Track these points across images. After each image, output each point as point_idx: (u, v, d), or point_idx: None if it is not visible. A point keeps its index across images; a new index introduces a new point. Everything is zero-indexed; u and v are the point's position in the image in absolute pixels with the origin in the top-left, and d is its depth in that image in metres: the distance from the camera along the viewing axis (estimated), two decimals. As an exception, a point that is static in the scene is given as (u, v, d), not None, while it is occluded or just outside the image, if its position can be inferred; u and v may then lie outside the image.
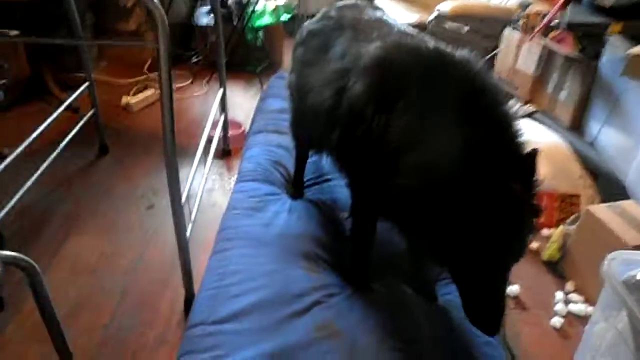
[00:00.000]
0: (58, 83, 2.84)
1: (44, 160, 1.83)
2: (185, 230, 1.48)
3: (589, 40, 2.08)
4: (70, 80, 2.82)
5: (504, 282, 0.97)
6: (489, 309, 0.94)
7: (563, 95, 2.20)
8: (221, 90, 2.25)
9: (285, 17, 3.70)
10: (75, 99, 2.15)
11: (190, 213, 1.68)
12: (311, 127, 1.49)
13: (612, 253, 1.00)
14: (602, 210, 1.62)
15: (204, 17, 3.52)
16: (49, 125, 1.87)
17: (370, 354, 1.19)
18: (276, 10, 3.61)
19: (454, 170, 0.87)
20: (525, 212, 0.92)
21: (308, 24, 1.55)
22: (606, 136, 2.01)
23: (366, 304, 1.35)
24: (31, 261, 0.86)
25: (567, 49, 2.10)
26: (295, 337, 1.21)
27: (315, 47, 1.43)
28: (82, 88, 2.16)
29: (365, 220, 1.38)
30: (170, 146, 1.32)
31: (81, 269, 1.63)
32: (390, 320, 1.30)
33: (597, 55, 2.05)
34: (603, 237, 1.55)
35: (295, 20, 3.92)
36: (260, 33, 3.51)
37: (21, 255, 0.85)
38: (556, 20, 2.14)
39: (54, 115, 1.95)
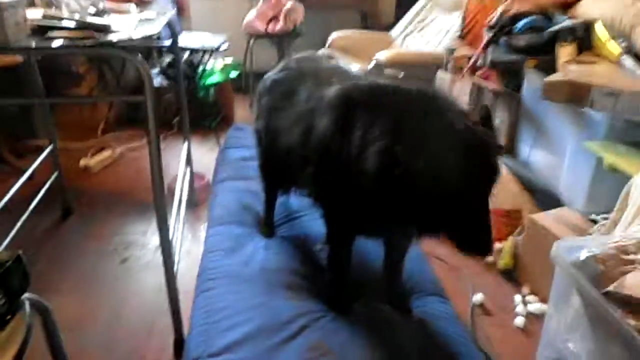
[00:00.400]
0: (12, 151, 2.82)
1: (9, 227, 1.82)
2: (174, 268, 1.52)
3: (510, 76, 2.40)
4: (24, 148, 2.83)
5: (488, 205, 1.08)
6: (482, 232, 1.04)
7: (495, 123, 2.48)
8: (186, 143, 2.34)
9: (233, 74, 3.89)
10: (29, 162, 2.15)
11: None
12: (282, 166, 1.62)
13: (558, 240, 1.18)
14: (543, 217, 1.84)
15: (155, 76, 3.64)
16: (10, 193, 1.87)
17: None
18: (225, 69, 3.80)
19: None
20: (490, 143, 1.05)
21: (271, 75, 1.70)
22: (536, 155, 2.28)
23: (351, 324, 1.44)
24: (46, 303, 0.90)
25: (493, 84, 2.40)
26: (290, 360, 1.28)
27: (281, 95, 1.57)
28: (45, 152, 2.18)
29: (341, 247, 1.49)
30: (160, 193, 1.39)
31: (60, 330, 1.61)
32: (376, 335, 1.40)
33: (519, 88, 2.36)
34: (546, 240, 1.75)
35: (243, 78, 4.13)
36: (212, 90, 3.67)
37: (37, 297, 0.89)
38: (480, 61, 2.45)
39: (18, 185, 1.95)
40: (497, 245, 2.18)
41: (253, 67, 4.04)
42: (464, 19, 2.74)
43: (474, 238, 1.03)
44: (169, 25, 2.07)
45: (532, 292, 1.87)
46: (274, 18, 3.93)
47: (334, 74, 1.48)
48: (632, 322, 0.92)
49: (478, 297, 1.83)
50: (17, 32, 1.02)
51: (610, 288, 0.97)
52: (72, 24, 1.12)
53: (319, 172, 1.33)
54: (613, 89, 1.49)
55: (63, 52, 1.57)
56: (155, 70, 3.79)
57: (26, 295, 0.85)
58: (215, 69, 3.77)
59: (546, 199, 2.09)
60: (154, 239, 2.13)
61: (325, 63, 1.59)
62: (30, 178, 2.50)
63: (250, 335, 1.35)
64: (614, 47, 1.75)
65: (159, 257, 1.67)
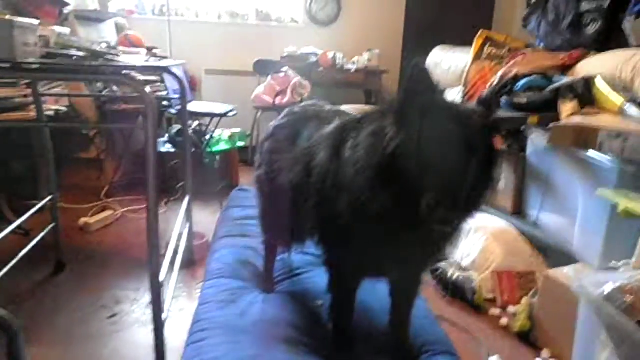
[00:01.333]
0: (13, 210, 2.79)
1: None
2: (163, 320, 1.41)
3: (514, 138, 2.41)
4: (25, 208, 2.80)
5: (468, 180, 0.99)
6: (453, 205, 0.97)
7: (501, 185, 2.46)
8: (187, 198, 2.31)
9: (240, 143, 3.97)
10: (28, 220, 2.12)
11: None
12: (283, 211, 1.57)
13: (575, 266, 1.09)
14: (558, 273, 1.73)
15: (162, 145, 3.70)
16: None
17: None
18: (232, 137, 3.88)
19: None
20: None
21: (274, 122, 1.71)
22: (546, 214, 2.22)
23: (353, 377, 1.31)
24: (15, 321, 0.82)
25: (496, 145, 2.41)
26: (285, 415, 1.14)
27: (284, 138, 1.57)
28: (40, 205, 2.15)
29: (345, 292, 1.40)
30: (154, 236, 1.34)
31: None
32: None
33: (523, 149, 2.36)
34: (564, 297, 1.63)
35: (250, 150, 4.21)
36: (217, 157, 3.71)
37: (8, 315, 0.81)
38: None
39: (5, 233, 1.89)
40: (510, 308, 2.05)
41: (260, 139, 4.12)
42: (464, 86, 2.82)
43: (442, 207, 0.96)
44: (179, 82, 2.15)
45: (553, 356, 1.71)
46: (282, 92, 4.09)
47: (336, 115, 1.48)
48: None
49: (494, 360, 1.67)
50: (25, 52, 1.04)
51: (645, 316, 0.88)
52: (81, 53, 1.14)
53: (320, 202, 1.28)
54: (621, 130, 1.48)
55: (64, 77, 1.53)
56: (164, 139, 3.88)
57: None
58: (222, 138, 3.85)
59: (559, 258, 1.99)
60: (146, 296, 2.02)
61: (329, 107, 1.61)
62: (26, 234, 2.46)
63: (243, 388, 1.21)
64: (616, 98, 1.76)
65: (149, 314, 1.57)
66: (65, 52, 1.15)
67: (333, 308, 1.43)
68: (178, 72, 1.98)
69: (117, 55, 1.22)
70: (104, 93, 3.23)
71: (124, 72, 1.17)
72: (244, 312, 1.58)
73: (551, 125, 1.74)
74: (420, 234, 1.17)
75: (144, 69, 1.85)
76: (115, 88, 3.31)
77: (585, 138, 1.55)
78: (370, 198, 1.08)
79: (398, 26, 5.07)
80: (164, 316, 1.46)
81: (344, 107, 3.89)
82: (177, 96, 2.48)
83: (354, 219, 1.16)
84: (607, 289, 0.99)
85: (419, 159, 0.98)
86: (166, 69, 1.94)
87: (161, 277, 1.45)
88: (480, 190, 1.07)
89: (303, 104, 1.75)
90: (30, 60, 1.06)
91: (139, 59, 1.36)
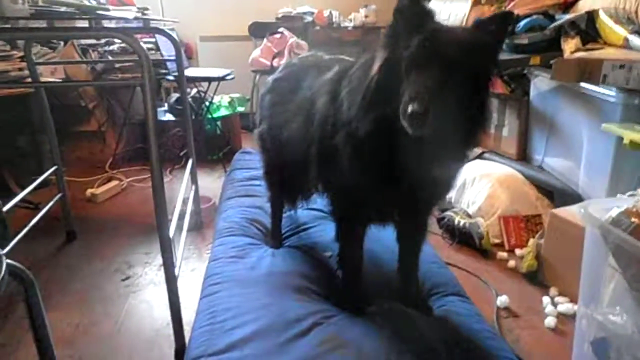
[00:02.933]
0: (20, 186, 2.81)
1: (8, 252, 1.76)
2: (174, 269, 1.44)
3: (516, 82, 2.37)
4: (32, 183, 2.81)
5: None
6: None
7: (505, 131, 2.44)
8: (190, 161, 2.31)
9: (240, 108, 3.94)
10: (37, 194, 2.12)
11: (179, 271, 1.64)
12: (287, 165, 1.56)
13: (581, 203, 1.09)
14: (564, 212, 1.74)
15: (162, 115, 3.69)
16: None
17: (380, 358, 1.16)
18: (232, 103, 3.85)
19: None
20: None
21: (274, 75, 1.69)
22: (550, 157, 2.21)
23: (367, 319, 1.34)
24: (30, 275, 0.84)
25: (499, 90, 2.38)
26: (300, 354, 1.17)
27: (284, 90, 1.55)
28: (48, 172, 2.16)
29: (352, 240, 1.41)
30: (160, 194, 1.34)
31: (56, 343, 1.50)
32: (394, 328, 1.29)
33: (525, 93, 2.32)
34: (571, 235, 1.64)
35: (250, 115, 4.18)
36: (219, 123, 3.70)
37: (21, 267, 0.83)
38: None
39: (14, 201, 1.90)
40: (517, 251, 2.07)
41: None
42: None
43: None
44: (174, 43, 2.11)
45: (561, 294, 1.74)
46: (279, 54, 4.03)
47: (335, 62, 1.46)
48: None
49: (503, 300, 1.70)
50: (14, 10, 1.02)
51: (651, 233, 0.88)
52: (72, 9, 1.12)
53: (321, 148, 1.28)
54: (625, 60, 1.45)
55: (52, 35, 1.49)
56: (163, 108, 3.86)
57: (6, 260, 0.78)
58: (222, 104, 3.82)
59: (565, 200, 1.99)
60: (158, 258, 2.05)
61: (328, 56, 1.58)
62: (35, 208, 2.48)
63: (258, 333, 1.25)
64: (621, 30, 1.72)
65: (162, 275, 1.60)
66: (54, 8, 1.12)
67: (342, 256, 1.44)
68: (172, 34, 1.94)
69: (107, 10, 1.20)
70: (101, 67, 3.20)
71: (114, 26, 1.14)
72: (254, 265, 1.60)
73: (554, 60, 1.70)
74: (419, 173, 1.16)
75: (136, 30, 1.81)
76: (110, 58, 3.27)
77: (589, 71, 1.51)
78: (362, 124, 1.08)
79: (395, -21, 4.93)
80: (176, 271, 1.49)
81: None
82: (172, 58, 2.42)
83: (354, 158, 1.16)
84: (613, 213, 0.99)
85: (402, 74, 0.97)
86: (159, 30, 1.90)
87: (170, 234, 1.46)
88: (468, 123, 1.04)
89: (301, 55, 1.72)
90: (19, 16, 1.04)
91: (129, 14, 1.33)
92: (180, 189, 2.00)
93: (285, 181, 1.71)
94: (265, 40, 4.17)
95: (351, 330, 1.26)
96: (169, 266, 1.40)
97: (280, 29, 4.17)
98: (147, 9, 1.91)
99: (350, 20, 4.55)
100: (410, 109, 0.89)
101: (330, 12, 4.47)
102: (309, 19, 4.45)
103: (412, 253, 1.47)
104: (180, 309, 1.47)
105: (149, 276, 1.97)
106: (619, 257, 0.99)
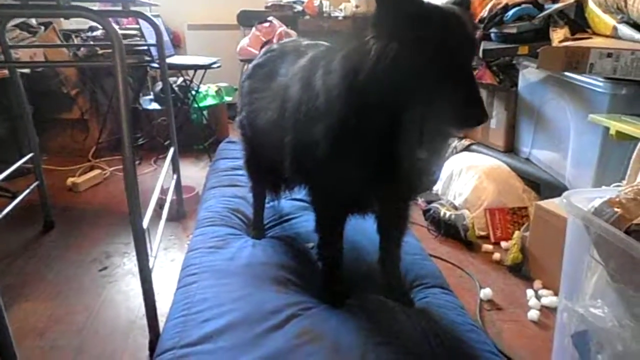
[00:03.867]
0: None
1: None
2: (148, 262, 1.40)
3: (504, 73, 2.34)
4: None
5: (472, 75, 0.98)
6: (474, 99, 0.94)
7: (493, 123, 2.41)
8: (172, 150, 2.27)
9: (228, 98, 3.88)
10: (15, 183, 2.06)
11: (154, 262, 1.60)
12: (266, 153, 1.52)
13: (565, 193, 1.07)
14: (549, 204, 1.71)
15: (148, 103, 3.62)
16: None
17: (356, 351, 1.13)
18: (219, 92, 3.79)
19: None
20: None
21: (254, 61, 1.65)
22: (538, 149, 2.19)
23: (346, 311, 1.31)
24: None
25: (488, 81, 2.34)
26: (274, 347, 1.14)
27: (262, 76, 1.51)
28: (24, 159, 2.10)
29: (332, 229, 1.37)
30: (132, 182, 1.29)
31: (27, 333, 1.47)
32: (372, 320, 1.26)
33: (514, 84, 2.29)
34: (555, 226, 1.62)
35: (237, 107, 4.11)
36: (205, 113, 3.64)
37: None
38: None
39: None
40: (503, 243, 2.05)
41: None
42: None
43: (470, 103, 0.93)
44: (155, 28, 2.05)
45: (545, 287, 1.72)
46: (268, 43, 3.96)
47: (312, 47, 1.42)
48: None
49: (486, 292, 1.68)
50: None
51: (635, 221, 0.85)
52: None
53: (297, 136, 1.24)
54: (613, 49, 1.42)
55: (11, 12, 1.40)
56: (149, 97, 3.79)
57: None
58: (209, 93, 3.76)
59: (552, 192, 1.97)
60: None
61: (308, 41, 1.53)
62: (13, 197, 2.42)
63: (233, 324, 1.21)
64: (609, 19, 1.69)
65: (150, 263, 1.56)
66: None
67: (321, 247, 1.41)
68: (154, 19, 1.88)
69: (77, -12, 1.15)
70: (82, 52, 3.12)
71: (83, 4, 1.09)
72: (234, 256, 1.56)
73: (541, 48, 1.66)
74: (400, 159, 1.13)
75: (113, 13, 1.73)
76: (92, 43, 3.19)
77: (576, 60, 1.48)
78: (349, 122, 1.04)
79: (386, -31, 4.86)
80: (150, 262, 1.45)
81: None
82: (152, 42, 2.36)
83: (333, 149, 1.12)
84: (596, 203, 0.97)
85: (415, 70, 0.92)
86: (138, 13, 1.85)
87: (144, 224, 1.42)
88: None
89: (282, 41, 1.68)
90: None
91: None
92: (160, 178, 1.95)
93: (266, 171, 1.67)
94: (253, 29, 4.10)
95: (328, 323, 1.23)
96: (142, 257, 1.36)
97: (269, 18, 4.11)
98: (126, -9, 1.85)
99: (341, 10, 4.49)
100: (475, 116, 0.91)
101: (321, 2, 4.40)
102: (298, 8, 4.39)
103: (393, 245, 1.44)
104: (154, 300, 1.43)
105: (127, 266, 1.93)
106: (600, 248, 0.96)
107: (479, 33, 2.15)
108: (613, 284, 0.94)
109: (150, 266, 1.44)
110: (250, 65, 1.63)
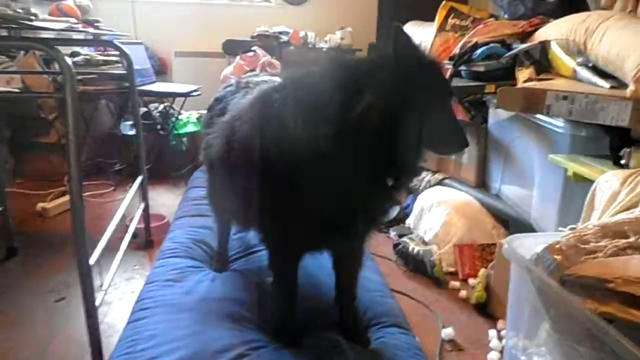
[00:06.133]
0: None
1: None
2: (94, 298, 1.36)
3: (476, 109, 2.37)
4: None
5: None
6: (456, 130, 1.08)
7: (465, 158, 2.42)
8: (140, 177, 2.25)
9: (209, 125, 3.88)
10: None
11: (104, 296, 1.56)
12: (222, 188, 1.51)
13: (507, 238, 1.06)
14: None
15: (128, 128, 3.61)
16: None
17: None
18: (200, 119, 3.80)
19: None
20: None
21: (216, 94, 1.65)
22: (506, 185, 2.19)
23: (297, 352, 1.28)
24: None
25: (460, 117, 2.37)
26: (216, 390, 1.10)
27: (217, 111, 1.51)
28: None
29: (286, 270, 1.35)
30: (79, 219, 1.27)
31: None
32: (321, 361, 1.23)
33: (485, 120, 2.32)
34: (518, 266, 1.61)
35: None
36: (185, 140, 3.63)
37: None
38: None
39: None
40: (471, 281, 2.02)
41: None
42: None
43: (452, 134, 1.08)
44: (125, 57, 2.05)
45: (508, 327, 1.69)
46: (251, 71, 4.00)
47: (261, 83, 1.42)
48: (591, 306, 0.78)
49: (448, 332, 1.65)
50: None
51: (567, 272, 0.84)
52: (-10, 17, 1.07)
53: (249, 177, 1.22)
54: (568, 91, 1.43)
55: None
56: (129, 122, 3.78)
57: None
58: (190, 120, 3.76)
59: (520, 229, 1.96)
60: (98, 278, 1.96)
61: (261, 77, 1.54)
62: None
63: (175, 365, 1.17)
64: (570, 62, 1.72)
65: (101, 297, 1.52)
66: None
67: (275, 284, 1.38)
68: (123, 46, 1.89)
69: (31, 20, 1.14)
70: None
71: (37, 36, 1.09)
72: (190, 290, 1.53)
73: (500, 88, 1.69)
74: (360, 204, 1.13)
75: (84, 42, 1.73)
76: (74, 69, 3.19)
77: (534, 101, 1.50)
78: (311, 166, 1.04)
79: (372, 3, 4.97)
80: (99, 299, 1.41)
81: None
82: (138, 69, 2.35)
83: (289, 191, 1.11)
84: (538, 249, 0.96)
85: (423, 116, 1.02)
86: (109, 42, 1.85)
87: (94, 258, 1.40)
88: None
89: (244, 75, 1.69)
90: None
91: (58, 25, 1.28)
92: (121, 206, 1.92)
93: (222, 204, 1.66)
94: (238, 57, 4.14)
95: (275, 364, 1.20)
96: (87, 292, 1.33)
97: (254, 48, 4.15)
98: (98, 21, 1.86)
99: (326, 42, 4.56)
100: (461, 142, 1.07)
101: (306, 33, 4.48)
102: (284, 38, 4.45)
103: (349, 282, 1.42)
104: (99, 337, 1.39)
105: (85, 297, 1.87)
106: (542, 296, 0.95)
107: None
108: (554, 334, 0.92)
109: (99, 300, 1.41)
110: (212, 98, 1.63)
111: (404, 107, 1.00)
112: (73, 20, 1.47)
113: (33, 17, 1.14)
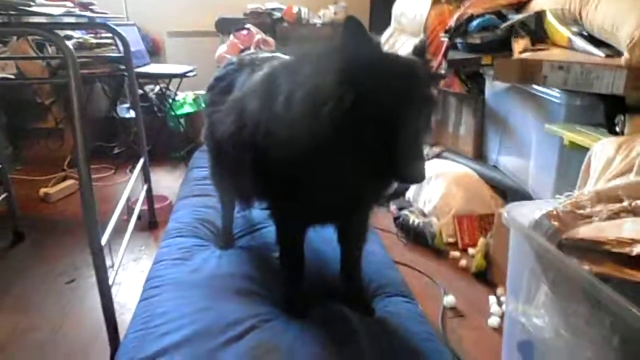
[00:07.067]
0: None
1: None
2: (107, 276, 1.40)
3: (472, 81, 2.38)
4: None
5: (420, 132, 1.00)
6: (415, 158, 0.95)
7: (462, 130, 2.45)
8: (141, 160, 2.26)
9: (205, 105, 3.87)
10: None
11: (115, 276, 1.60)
12: (228, 167, 1.53)
13: (507, 206, 1.09)
14: (511, 211, 1.74)
15: (125, 111, 3.61)
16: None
17: (310, 361, 1.15)
18: (197, 100, 3.79)
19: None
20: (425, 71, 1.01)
21: (215, 73, 1.65)
22: (504, 156, 2.23)
23: (304, 323, 1.32)
24: None
25: (456, 89, 2.38)
26: (230, 360, 1.15)
27: (221, 90, 1.52)
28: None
29: (292, 241, 1.39)
30: (90, 201, 1.30)
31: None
32: (330, 332, 1.27)
33: (481, 92, 2.33)
34: (517, 234, 1.65)
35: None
36: (182, 121, 3.63)
37: None
38: (442, 70, 2.44)
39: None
40: (470, 250, 2.08)
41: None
42: (425, 32, 2.76)
43: (410, 162, 0.94)
44: (121, 38, 2.04)
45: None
46: (245, 49, 3.97)
47: (268, 60, 1.43)
48: (587, 267, 0.82)
49: (449, 299, 1.70)
50: None
51: (564, 236, 0.88)
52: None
53: (256, 153, 1.25)
54: (564, 62, 1.45)
55: None
56: (126, 105, 3.78)
57: None
58: (187, 101, 3.76)
59: (517, 198, 2.00)
60: (109, 260, 2.00)
61: (265, 54, 1.55)
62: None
63: (190, 338, 1.21)
64: (565, 31, 1.73)
65: (112, 277, 1.56)
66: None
67: (282, 258, 1.42)
68: (118, 29, 1.88)
69: (30, 5, 1.15)
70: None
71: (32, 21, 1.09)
72: (198, 268, 1.57)
73: (497, 61, 1.70)
74: (360, 183, 1.15)
75: (78, 26, 1.73)
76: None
77: (530, 72, 1.52)
78: (311, 149, 1.05)
79: (365, -24, 4.91)
80: (111, 276, 1.45)
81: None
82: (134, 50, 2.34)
83: (293, 169, 1.13)
84: (537, 216, 0.99)
85: (376, 118, 0.94)
86: (105, 25, 1.84)
87: (104, 239, 1.43)
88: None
89: (243, 53, 1.69)
90: None
91: (56, 10, 1.28)
92: (126, 189, 1.95)
93: (230, 182, 1.68)
94: (231, 36, 4.11)
95: (286, 335, 1.24)
96: (100, 272, 1.36)
97: (247, 25, 4.12)
98: (92, 3, 1.85)
99: (320, 17, 4.52)
100: (416, 175, 0.92)
101: (299, 9, 4.43)
102: (277, 15, 4.41)
103: (353, 254, 1.46)
104: (114, 314, 1.44)
105: (94, 279, 1.91)
106: (540, 260, 0.99)
107: (441, 83, 2.19)
108: (552, 295, 0.96)
109: (111, 280, 1.45)
110: (212, 78, 1.64)
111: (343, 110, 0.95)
112: (69, 4, 1.47)
113: (32, 3, 1.14)
